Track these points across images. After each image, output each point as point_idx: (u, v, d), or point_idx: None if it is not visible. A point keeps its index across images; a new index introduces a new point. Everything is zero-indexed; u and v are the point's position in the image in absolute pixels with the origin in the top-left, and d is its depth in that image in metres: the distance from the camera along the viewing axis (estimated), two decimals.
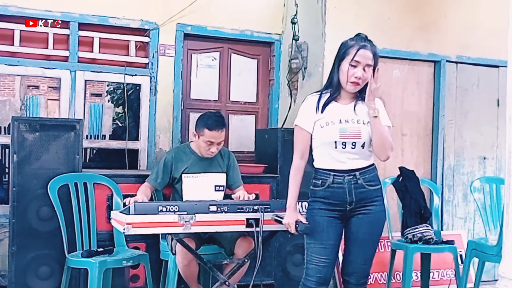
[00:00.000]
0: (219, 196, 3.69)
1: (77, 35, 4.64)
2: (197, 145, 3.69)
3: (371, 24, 4.77)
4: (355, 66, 2.78)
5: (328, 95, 2.86)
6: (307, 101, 2.92)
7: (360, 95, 2.85)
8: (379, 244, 2.99)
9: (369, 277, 2.98)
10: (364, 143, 2.81)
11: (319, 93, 2.90)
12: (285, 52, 5.21)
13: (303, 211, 2.99)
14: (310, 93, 2.97)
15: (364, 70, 2.78)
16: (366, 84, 2.80)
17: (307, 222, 2.82)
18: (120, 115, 9.07)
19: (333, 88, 2.86)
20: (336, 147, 2.80)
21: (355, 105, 2.84)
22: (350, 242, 2.90)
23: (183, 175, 3.65)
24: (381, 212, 2.88)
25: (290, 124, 4.61)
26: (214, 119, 3.63)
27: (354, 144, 2.79)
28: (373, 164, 2.87)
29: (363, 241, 2.86)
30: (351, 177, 2.81)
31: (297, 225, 2.82)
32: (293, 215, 2.86)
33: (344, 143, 2.79)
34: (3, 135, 6.67)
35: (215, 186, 3.69)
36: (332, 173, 2.82)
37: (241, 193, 3.63)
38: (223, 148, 3.85)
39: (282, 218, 2.93)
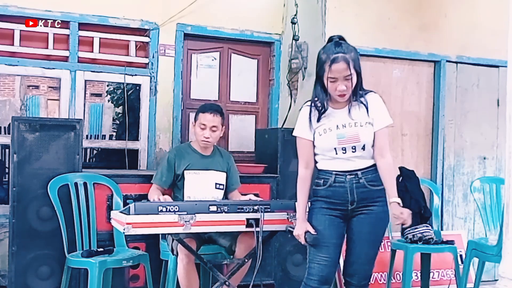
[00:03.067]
0: (219, 194, 3.70)
1: (77, 35, 4.64)
2: (195, 136, 3.71)
3: (371, 24, 4.77)
4: (334, 82, 2.75)
5: (319, 103, 2.84)
6: (302, 110, 2.92)
7: (354, 96, 2.82)
8: (381, 244, 2.99)
9: (371, 278, 2.97)
10: (364, 145, 2.80)
11: (311, 102, 2.89)
12: (285, 52, 5.21)
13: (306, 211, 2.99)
14: (304, 103, 2.95)
15: (346, 81, 2.74)
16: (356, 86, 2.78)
17: (315, 233, 2.81)
18: (120, 115, 9.07)
19: (322, 95, 2.83)
20: (336, 153, 2.81)
21: (349, 109, 2.82)
22: (351, 243, 2.89)
23: (185, 171, 3.65)
24: (383, 213, 2.87)
25: (290, 124, 4.60)
26: (209, 104, 3.79)
27: (354, 148, 2.79)
28: (375, 165, 2.86)
29: (365, 241, 2.85)
30: (353, 176, 2.81)
31: (306, 236, 2.82)
32: (302, 226, 2.85)
33: (344, 148, 2.79)
34: (3, 135, 6.68)
35: (216, 183, 3.69)
36: (334, 173, 2.82)
37: (251, 196, 3.61)
38: (223, 150, 3.89)
39: (293, 229, 2.93)
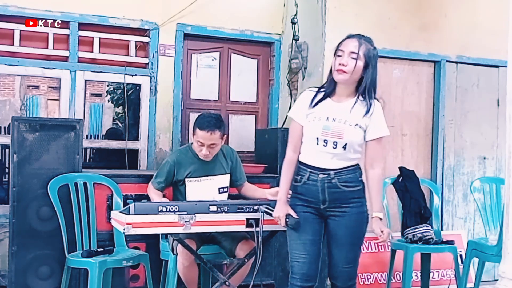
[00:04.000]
0: (224, 197, 3.65)
1: (77, 35, 4.64)
2: (194, 148, 3.62)
3: (371, 24, 4.77)
4: (340, 56, 2.77)
5: (324, 91, 2.86)
6: (303, 94, 2.93)
7: (360, 95, 2.81)
8: (362, 245, 2.95)
9: (356, 278, 2.94)
10: (346, 144, 2.77)
11: (318, 88, 2.90)
12: (285, 52, 5.21)
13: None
14: (309, 87, 2.96)
15: (350, 58, 2.75)
16: (361, 80, 2.78)
17: (297, 217, 2.81)
18: (120, 115, 9.07)
19: (328, 85, 2.85)
20: (317, 144, 2.79)
21: (352, 106, 2.80)
22: (330, 245, 2.88)
23: (186, 179, 3.58)
24: (359, 214, 2.83)
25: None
26: (207, 119, 3.47)
27: (335, 143, 2.77)
28: (355, 165, 2.83)
29: (343, 244, 2.83)
30: (325, 175, 2.79)
31: (287, 219, 2.81)
32: (283, 208, 2.85)
33: (325, 141, 2.77)
34: (3, 135, 6.67)
35: (219, 188, 3.64)
36: (309, 169, 2.82)
37: (267, 195, 3.52)
38: (225, 146, 3.76)
39: (272, 211, 2.93)
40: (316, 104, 2.83)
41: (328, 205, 2.81)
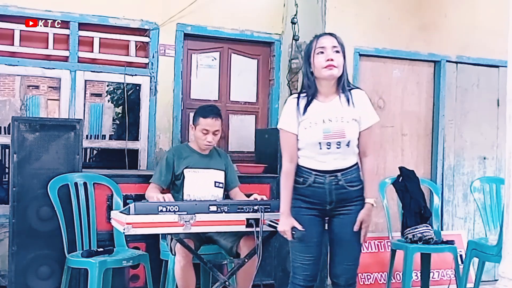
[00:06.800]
0: (219, 192, 3.70)
1: (77, 35, 4.64)
2: (195, 138, 3.72)
3: (371, 24, 4.77)
4: (322, 53, 2.77)
5: (306, 95, 2.84)
6: (287, 103, 2.89)
7: (340, 88, 2.83)
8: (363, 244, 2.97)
9: (357, 276, 2.95)
10: (349, 142, 2.78)
11: (298, 94, 2.88)
12: (285, 52, 5.21)
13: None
14: (289, 95, 2.96)
15: (334, 52, 2.76)
16: (343, 75, 2.80)
17: (303, 229, 2.79)
18: (120, 115, 9.07)
19: (308, 88, 2.83)
20: (321, 148, 2.78)
21: (337, 103, 2.81)
22: (334, 244, 2.88)
23: (185, 170, 3.66)
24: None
25: None
26: (209, 108, 3.75)
27: (339, 143, 2.77)
28: (356, 164, 2.85)
29: (348, 242, 2.84)
30: (333, 177, 2.79)
31: (293, 232, 2.79)
32: (288, 221, 2.81)
33: (328, 143, 2.77)
34: (3, 135, 6.68)
35: (215, 182, 3.70)
36: (314, 173, 2.80)
37: (256, 196, 3.58)
38: (219, 149, 3.92)
39: (277, 224, 2.91)
40: (305, 109, 2.81)
41: (334, 205, 2.82)
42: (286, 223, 2.82)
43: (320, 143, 2.77)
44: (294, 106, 2.84)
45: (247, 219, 3.08)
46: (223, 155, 3.87)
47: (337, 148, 2.77)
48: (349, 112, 2.80)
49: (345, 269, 2.85)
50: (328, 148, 2.77)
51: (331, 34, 2.83)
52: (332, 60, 2.75)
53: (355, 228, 2.80)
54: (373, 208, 2.84)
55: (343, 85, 2.82)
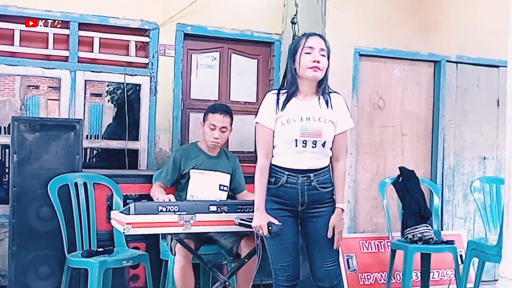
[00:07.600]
0: (223, 195, 3.70)
1: (77, 35, 4.64)
2: (203, 135, 3.73)
3: (371, 24, 4.76)
4: (309, 53, 2.78)
5: (285, 92, 2.84)
6: (266, 98, 2.89)
7: (321, 90, 2.84)
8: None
9: (341, 275, 2.93)
10: (325, 142, 2.79)
11: (277, 90, 2.89)
12: (285, 52, 5.20)
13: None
14: (269, 91, 2.96)
15: (320, 55, 2.77)
16: (325, 77, 2.81)
17: (280, 223, 2.78)
18: (120, 115, 9.06)
19: (290, 85, 2.84)
20: (296, 145, 2.77)
21: (317, 103, 2.82)
22: (311, 248, 2.87)
23: (191, 170, 3.67)
24: (333, 213, 2.86)
25: None
26: (219, 105, 3.85)
27: (315, 142, 2.77)
28: (328, 166, 2.86)
29: (324, 244, 2.84)
30: (305, 178, 2.79)
31: (269, 227, 2.77)
32: (263, 217, 2.79)
33: (304, 142, 2.76)
34: (3, 135, 6.67)
35: (220, 185, 3.71)
36: (286, 172, 2.80)
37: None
38: (229, 152, 3.92)
39: (248, 221, 2.90)
40: (284, 106, 2.81)
41: (306, 207, 2.82)
42: (261, 218, 2.79)
43: (296, 140, 2.76)
44: (273, 101, 2.84)
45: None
46: (232, 157, 3.86)
47: (313, 147, 2.77)
48: (327, 114, 2.81)
49: (326, 272, 2.84)
50: (304, 147, 2.77)
51: (320, 36, 2.84)
52: (318, 62, 2.76)
53: (329, 234, 2.81)
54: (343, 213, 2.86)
55: (324, 87, 2.84)
